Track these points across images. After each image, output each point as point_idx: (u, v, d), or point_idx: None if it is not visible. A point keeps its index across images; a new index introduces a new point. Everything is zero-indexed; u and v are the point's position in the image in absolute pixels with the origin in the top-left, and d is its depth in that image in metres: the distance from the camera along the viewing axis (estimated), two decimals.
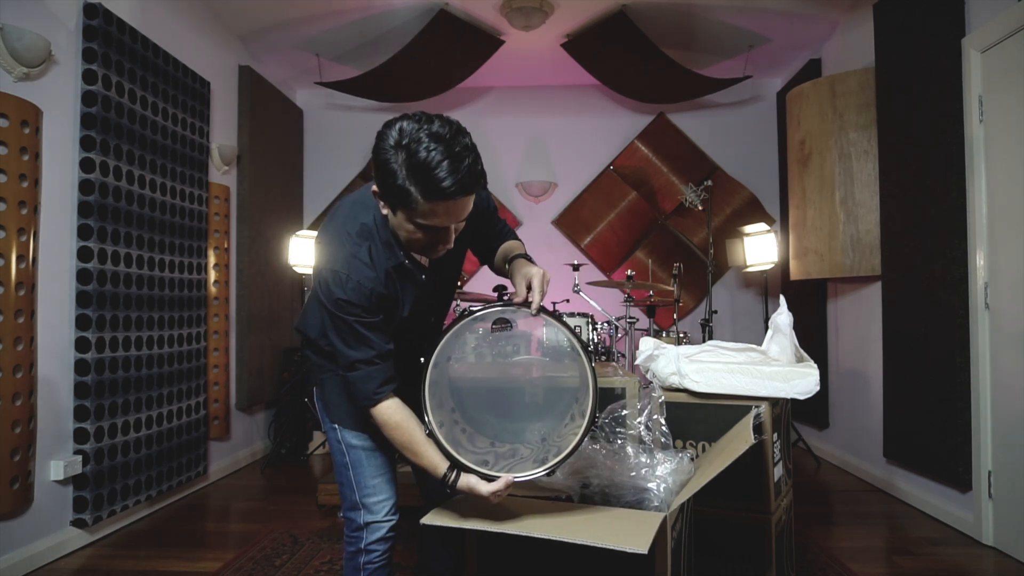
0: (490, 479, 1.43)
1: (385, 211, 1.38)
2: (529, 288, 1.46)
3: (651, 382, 2.23)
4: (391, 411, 1.46)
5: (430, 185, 1.24)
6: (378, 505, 1.61)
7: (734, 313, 5.10)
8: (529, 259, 1.59)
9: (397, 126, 1.27)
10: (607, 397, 2.07)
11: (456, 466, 1.45)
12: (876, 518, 3.15)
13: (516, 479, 1.43)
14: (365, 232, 1.44)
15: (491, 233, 1.70)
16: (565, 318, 3.55)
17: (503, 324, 1.54)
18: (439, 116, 1.29)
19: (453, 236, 1.38)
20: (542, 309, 1.47)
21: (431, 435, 1.45)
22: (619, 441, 1.79)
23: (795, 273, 4.10)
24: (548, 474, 1.47)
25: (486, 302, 1.52)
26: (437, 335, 1.51)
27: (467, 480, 1.43)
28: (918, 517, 3.13)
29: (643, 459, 1.67)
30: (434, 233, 1.35)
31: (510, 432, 1.60)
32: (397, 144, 1.26)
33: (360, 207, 1.48)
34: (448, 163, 1.23)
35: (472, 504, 1.54)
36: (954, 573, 2.51)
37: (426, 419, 1.46)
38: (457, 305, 3.70)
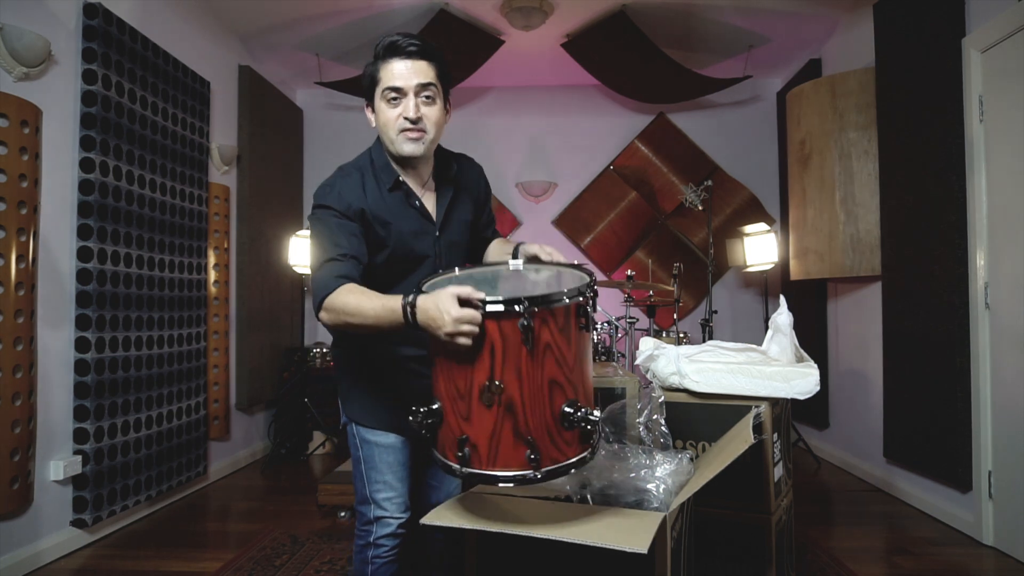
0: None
1: (372, 121, 1.57)
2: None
3: (651, 382, 2.23)
4: (347, 289, 1.39)
5: (389, 49, 1.51)
6: (387, 501, 1.62)
7: (734, 313, 5.10)
8: None
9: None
10: (607, 397, 2.07)
11: (417, 291, 1.29)
12: (876, 518, 3.15)
13: (487, 301, 1.20)
14: (360, 164, 1.61)
15: (483, 211, 1.78)
16: None
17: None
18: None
19: (416, 108, 1.51)
20: (535, 259, 1.53)
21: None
22: (619, 442, 1.79)
23: (795, 273, 4.09)
24: (522, 307, 1.18)
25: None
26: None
27: (428, 301, 1.22)
28: (918, 517, 3.13)
29: (643, 459, 1.67)
30: (402, 104, 1.51)
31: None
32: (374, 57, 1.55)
33: (355, 160, 1.65)
34: (404, 36, 1.52)
35: (472, 504, 1.54)
36: (954, 573, 2.51)
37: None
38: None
